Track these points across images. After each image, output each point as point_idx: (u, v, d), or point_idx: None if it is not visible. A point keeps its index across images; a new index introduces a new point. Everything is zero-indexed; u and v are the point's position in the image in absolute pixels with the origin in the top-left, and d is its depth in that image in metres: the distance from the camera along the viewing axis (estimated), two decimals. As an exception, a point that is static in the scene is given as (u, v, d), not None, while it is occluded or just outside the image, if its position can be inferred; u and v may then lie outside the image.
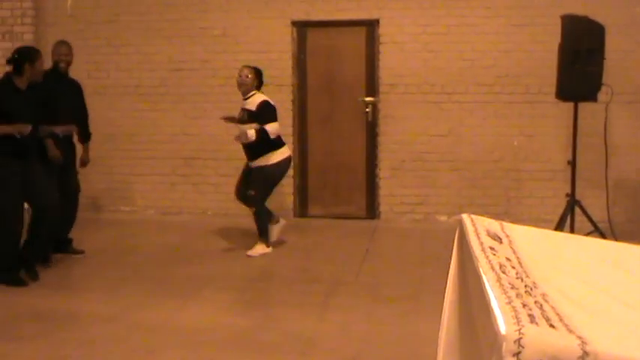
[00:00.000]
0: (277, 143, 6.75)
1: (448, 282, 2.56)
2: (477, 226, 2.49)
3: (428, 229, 7.91)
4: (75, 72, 6.85)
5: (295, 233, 8.06)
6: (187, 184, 8.71)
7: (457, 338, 2.50)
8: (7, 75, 5.89)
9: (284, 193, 8.50)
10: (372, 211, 8.46)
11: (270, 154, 6.70)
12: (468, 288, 2.30)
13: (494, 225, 2.61)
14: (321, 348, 4.56)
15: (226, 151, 8.40)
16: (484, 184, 8.20)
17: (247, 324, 4.96)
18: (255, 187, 6.72)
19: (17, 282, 5.82)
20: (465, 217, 2.63)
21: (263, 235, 6.85)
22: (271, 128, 6.59)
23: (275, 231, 7.03)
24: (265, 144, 6.62)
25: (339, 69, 8.45)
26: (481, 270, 2.08)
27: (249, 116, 6.68)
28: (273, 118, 6.66)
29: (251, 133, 6.53)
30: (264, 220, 6.84)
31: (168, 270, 6.36)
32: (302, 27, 8.45)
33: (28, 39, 8.39)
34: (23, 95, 5.80)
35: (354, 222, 8.30)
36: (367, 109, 8.37)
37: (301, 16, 8.39)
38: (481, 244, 2.32)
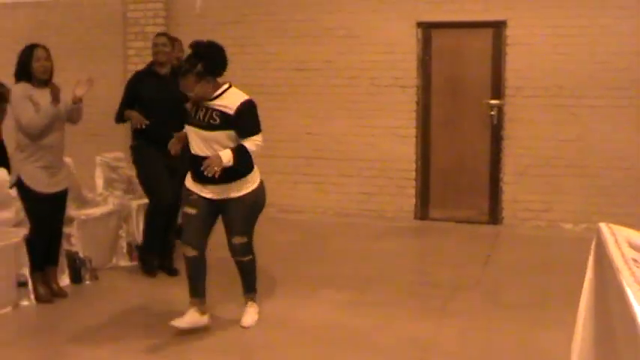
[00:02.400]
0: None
1: (583, 292, 2.45)
2: (617, 237, 2.37)
3: (552, 236, 7.64)
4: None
5: (416, 236, 8.01)
6: (309, 184, 8.78)
7: (593, 350, 2.38)
8: (150, 63, 6.25)
9: (405, 195, 8.42)
10: (494, 216, 8.26)
11: (252, 173, 4.77)
12: (607, 300, 2.19)
13: (635, 236, 2.47)
14: (438, 353, 4.50)
15: (348, 152, 8.45)
16: (614, 193, 7.81)
17: (364, 325, 4.95)
18: (241, 228, 4.78)
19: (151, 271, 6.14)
20: (603, 226, 2.52)
21: (253, 290, 5.02)
22: (255, 147, 4.61)
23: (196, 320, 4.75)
24: (247, 161, 4.67)
25: (464, 71, 8.30)
26: (624, 282, 1.96)
27: (222, 120, 4.57)
28: (259, 127, 4.69)
29: (227, 157, 4.45)
30: (255, 269, 5.00)
31: (288, 268, 6.43)
32: (427, 28, 8.35)
33: (158, 39, 8.69)
34: (163, 82, 6.04)
35: (475, 227, 8.13)
36: (492, 112, 8.17)
37: (427, 17, 8.29)
38: (623, 255, 2.20)
